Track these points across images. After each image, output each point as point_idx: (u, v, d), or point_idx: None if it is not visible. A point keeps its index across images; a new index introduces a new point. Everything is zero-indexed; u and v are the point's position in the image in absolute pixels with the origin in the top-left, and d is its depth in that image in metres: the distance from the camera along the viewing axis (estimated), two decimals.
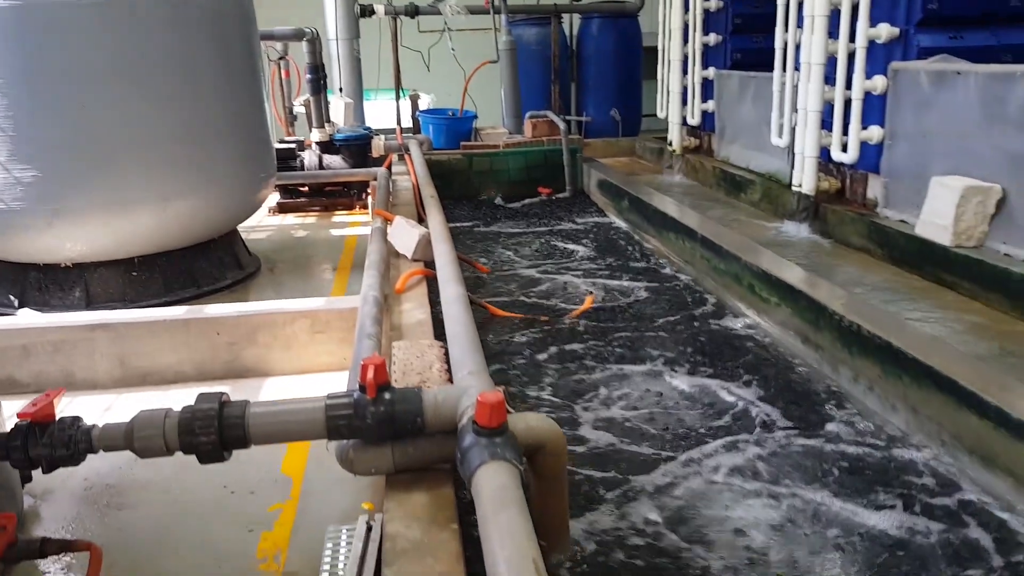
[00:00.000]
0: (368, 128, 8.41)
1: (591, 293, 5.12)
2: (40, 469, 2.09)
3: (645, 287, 5.40)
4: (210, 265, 5.26)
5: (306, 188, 7.93)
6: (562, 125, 8.43)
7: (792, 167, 6.02)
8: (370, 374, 2.14)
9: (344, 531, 2.24)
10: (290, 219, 7.61)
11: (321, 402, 2.18)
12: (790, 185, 6.05)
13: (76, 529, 2.65)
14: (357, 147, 7.90)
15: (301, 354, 3.88)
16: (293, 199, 7.82)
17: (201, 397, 2.14)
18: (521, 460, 1.95)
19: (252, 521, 2.68)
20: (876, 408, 3.45)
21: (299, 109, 9.47)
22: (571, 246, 6.55)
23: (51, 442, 2.07)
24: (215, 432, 2.09)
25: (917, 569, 2.45)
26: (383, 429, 2.18)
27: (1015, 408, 2.68)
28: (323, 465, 3.02)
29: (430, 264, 4.51)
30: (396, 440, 2.24)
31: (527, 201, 8.20)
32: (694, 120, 8.35)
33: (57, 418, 2.11)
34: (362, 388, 2.17)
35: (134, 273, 4.89)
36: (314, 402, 2.18)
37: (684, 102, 8.46)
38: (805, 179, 5.84)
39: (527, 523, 1.64)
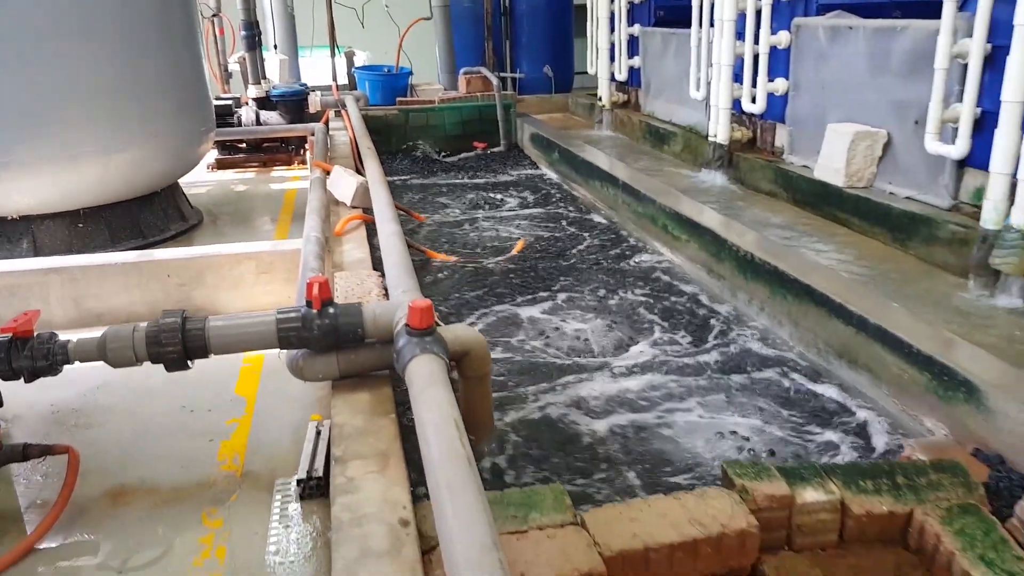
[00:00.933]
0: (304, 85, 8.54)
1: (523, 238, 5.48)
2: (23, 379, 2.36)
3: (573, 231, 5.79)
4: (154, 217, 5.45)
5: (244, 144, 8.05)
6: (495, 81, 8.69)
7: (709, 119, 6.44)
8: (315, 290, 2.46)
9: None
10: (229, 175, 7.75)
11: (272, 316, 2.49)
12: (707, 136, 6.47)
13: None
14: (294, 103, 8.04)
15: (248, 294, 4.15)
16: (231, 155, 7.94)
17: (165, 313, 2.43)
18: (447, 354, 2.30)
19: (212, 433, 2.99)
20: (767, 324, 3.91)
21: (234, 66, 9.51)
22: (504, 196, 6.89)
23: (31, 354, 2.34)
24: (179, 343, 2.39)
25: (772, 405, 2.91)
26: (328, 339, 2.51)
27: (871, 314, 3.16)
28: (273, 387, 3.34)
29: (368, 211, 4.80)
30: (340, 349, 2.58)
31: (463, 155, 8.48)
32: (621, 76, 8.71)
33: (35, 334, 2.37)
34: (309, 303, 2.49)
35: (80, 225, 5.05)
36: (266, 316, 2.50)
37: (612, 59, 8.80)
38: (720, 130, 6.26)
39: (450, 395, 2.00)
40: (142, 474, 2.73)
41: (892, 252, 4.43)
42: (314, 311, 2.47)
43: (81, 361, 2.41)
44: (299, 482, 2.49)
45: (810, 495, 2.13)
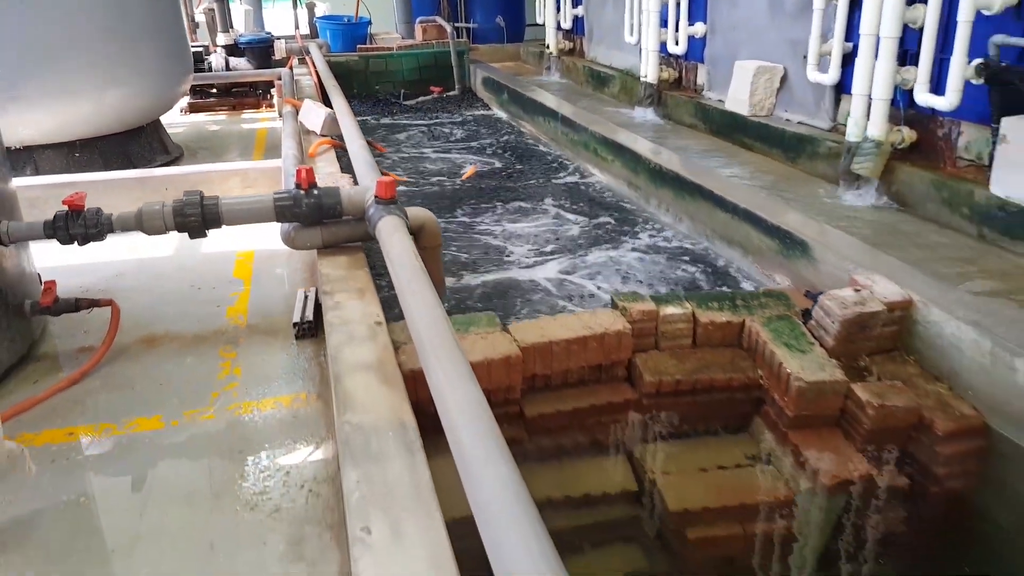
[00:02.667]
0: (269, 33, 9.08)
1: (473, 164, 6.22)
2: (76, 243, 3.06)
3: (520, 158, 6.54)
4: (141, 149, 6.07)
5: (215, 89, 8.60)
6: (449, 28, 9.32)
7: (641, 62, 7.19)
8: (303, 175, 3.19)
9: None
10: (202, 117, 8.31)
11: (271, 196, 3.21)
12: (640, 77, 7.23)
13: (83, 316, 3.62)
14: (260, 50, 8.59)
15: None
16: (203, 99, 8.50)
17: (186, 193, 3.14)
18: (407, 217, 3.06)
19: (218, 301, 3.71)
20: (670, 221, 4.74)
21: (200, 17, 9.97)
22: (459, 132, 7.60)
23: (84, 223, 3.03)
24: (199, 214, 3.10)
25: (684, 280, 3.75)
26: (314, 214, 3.24)
27: (739, 199, 3.99)
28: (264, 272, 4.06)
29: (337, 138, 5.48)
30: (323, 224, 3.31)
31: (420, 98, 9.13)
32: (566, 24, 9.39)
33: (85, 208, 3.07)
34: (298, 186, 3.22)
35: (77, 154, 5.66)
36: (266, 196, 3.22)
37: (558, 8, 9.47)
38: (649, 70, 7.02)
39: (410, 240, 2.76)
40: (167, 328, 3.45)
41: (785, 168, 5.26)
42: (302, 192, 3.19)
43: (123, 230, 3.11)
44: (295, 324, 3.24)
45: (670, 310, 2.95)
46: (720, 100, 6.33)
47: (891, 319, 2.81)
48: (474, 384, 1.81)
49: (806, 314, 3.11)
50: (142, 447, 2.58)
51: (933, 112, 4.30)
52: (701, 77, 6.82)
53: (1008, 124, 3.72)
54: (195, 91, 8.44)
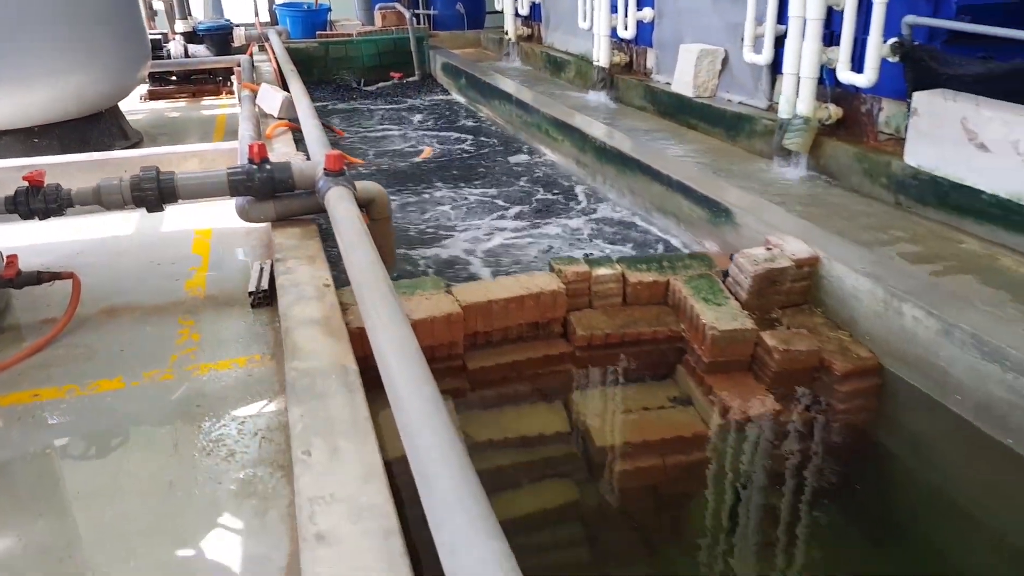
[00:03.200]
0: (228, 20, 9.14)
1: (429, 146, 6.41)
2: (37, 218, 3.20)
3: (476, 140, 6.74)
4: (100, 134, 6.16)
5: (174, 77, 8.66)
6: (408, 14, 9.46)
7: (594, 47, 7.41)
8: (255, 150, 3.36)
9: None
10: (162, 104, 8.37)
11: (224, 171, 3.38)
12: (593, 62, 7.45)
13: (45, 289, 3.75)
14: (219, 36, 8.66)
15: None
16: (162, 87, 8.56)
17: (143, 169, 3.29)
18: (354, 188, 3.24)
19: (177, 275, 3.86)
20: (613, 195, 4.98)
21: (158, 4, 10.00)
22: (418, 116, 7.78)
23: (44, 199, 3.18)
24: (155, 189, 3.26)
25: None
26: (266, 187, 3.41)
27: (673, 172, 4.23)
28: (221, 249, 4.21)
29: (294, 121, 5.63)
30: (276, 197, 3.49)
31: (380, 84, 9.27)
32: (524, 11, 9.57)
33: (45, 184, 3.21)
34: (251, 161, 3.39)
35: (35, 140, 5.74)
36: (220, 171, 3.38)
37: None
38: (601, 55, 7.24)
39: (355, 205, 2.95)
40: (126, 300, 3.60)
41: (725, 145, 5.51)
42: (255, 166, 3.36)
43: (81, 204, 3.25)
44: (250, 294, 3.41)
45: (602, 271, 3.17)
46: (668, 83, 6.57)
47: (800, 275, 3.07)
48: (407, 327, 2.01)
49: (726, 274, 3.35)
50: (104, 404, 2.75)
51: (857, 90, 4.57)
52: (650, 61, 7.05)
53: (919, 98, 3.99)
54: (154, 79, 8.50)
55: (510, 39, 9.84)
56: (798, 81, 4.67)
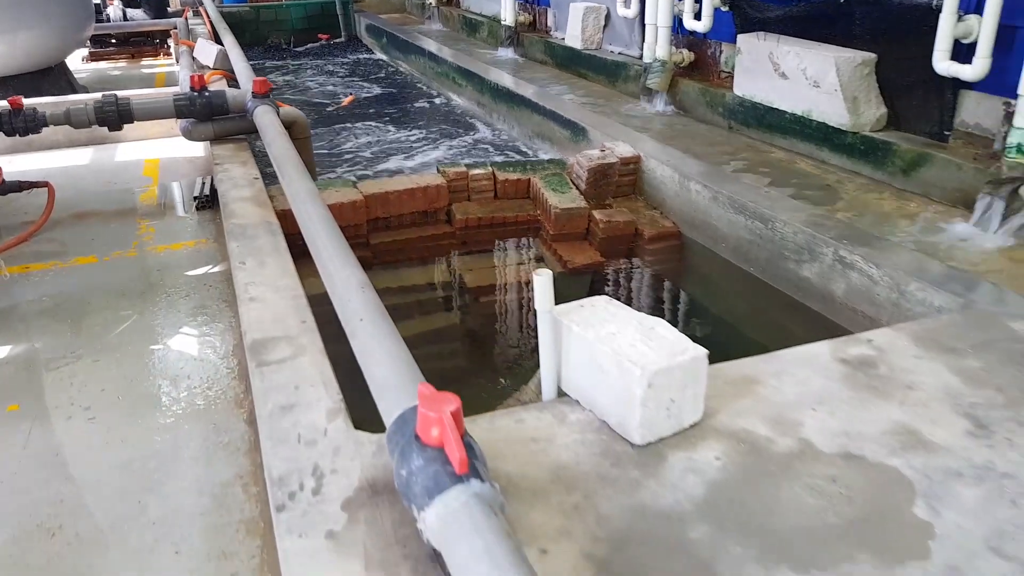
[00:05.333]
0: None
1: (352, 93, 7.21)
2: (18, 134, 3.95)
3: (394, 90, 7.56)
4: (51, 87, 6.80)
5: (114, 40, 9.22)
6: None
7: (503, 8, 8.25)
8: (195, 80, 4.15)
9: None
10: (103, 65, 8.96)
11: (171, 97, 4.16)
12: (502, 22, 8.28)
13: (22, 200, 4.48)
14: (156, 1, 9.24)
15: (139, 128, 5.68)
16: (103, 48, 9.12)
17: (104, 96, 4.05)
18: (277, 108, 4.07)
19: (133, 190, 4.64)
20: (504, 127, 5.88)
21: None
22: (343, 71, 8.54)
23: (24, 119, 3.92)
24: (115, 111, 4.03)
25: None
26: (206, 111, 4.21)
27: (548, 104, 5.14)
28: (168, 172, 4.98)
29: (228, 71, 6.36)
30: (214, 119, 4.28)
31: (309, 45, 9.97)
32: None
33: (24, 106, 3.95)
34: (192, 89, 4.18)
35: None
36: (167, 97, 4.16)
37: None
38: (508, 16, 8.08)
39: (278, 118, 3.78)
40: (92, 207, 4.37)
41: (607, 90, 6.43)
42: (196, 92, 4.16)
43: (55, 124, 4.00)
44: (195, 198, 4.21)
45: (477, 171, 4.07)
46: (563, 38, 7.46)
47: (626, 170, 4.00)
48: (321, 203, 2.86)
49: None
50: (83, 272, 3.55)
51: (704, 36, 5.53)
52: (550, 20, 7.93)
53: (741, 40, 4.96)
54: (95, 41, 9.05)
55: (431, 3, 10.60)
56: (656, 31, 5.61)
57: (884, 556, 1.43)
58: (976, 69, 3.56)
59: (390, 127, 6.12)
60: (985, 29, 3.49)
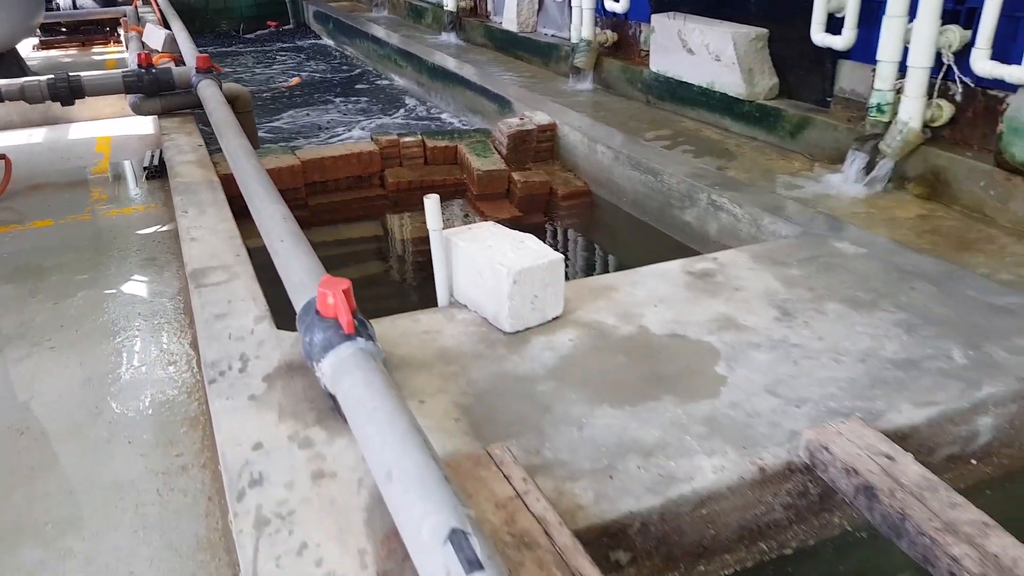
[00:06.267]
0: None
1: (297, 76, 7.52)
2: None
3: (339, 73, 7.88)
4: (4, 72, 6.98)
5: (64, 29, 9.37)
6: None
7: None
8: (143, 58, 4.45)
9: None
10: (54, 53, 9.11)
11: (120, 73, 4.46)
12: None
13: None
14: None
15: (92, 106, 5.94)
16: (54, 37, 9.26)
17: (56, 74, 4.34)
18: (219, 81, 4.39)
19: (85, 164, 4.91)
20: (441, 104, 6.26)
21: None
22: (291, 56, 8.83)
23: None
24: (67, 87, 4.32)
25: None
26: (153, 87, 4.51)
27: (478, 80, 5.53)
28: (119, 148, 5.27)
29: (176, 55, 6.63)
30: (162, 95, 4.59)
31: (259, 32, 10.22)
32: None
33: None
34: (140, 66, 4.48)
35: None
36: (116, 74, 4.46)
37: None
38: (450, 1, 8.42)
39: (220, 93, 4.10)
40: (47, 180, 4.65)
41: (540, 70, 6.82)
42: (143, 69, 4.46)
43: (9, 100, 4.28)
44: (145, 168, 4.52)
45: (408, 139, 4.44)
46: (500, 22, 7.83)
47: (544, 136, 4.41)
48: (255, 158, 3.21)
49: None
50: (40, 233, 3.85)
51: (626, 17, 5.94)
52: (490, 5, 8.29)
53: (655, 19, 5.39)
54: (45, 30, 9.19)
55: None
56: (582, 12, 6.01)
57: (683, 396, 1.85)
58: (845, 39, 4.02)
59: (329, 105, 6.46)
60: (851, 3, 3.95)
